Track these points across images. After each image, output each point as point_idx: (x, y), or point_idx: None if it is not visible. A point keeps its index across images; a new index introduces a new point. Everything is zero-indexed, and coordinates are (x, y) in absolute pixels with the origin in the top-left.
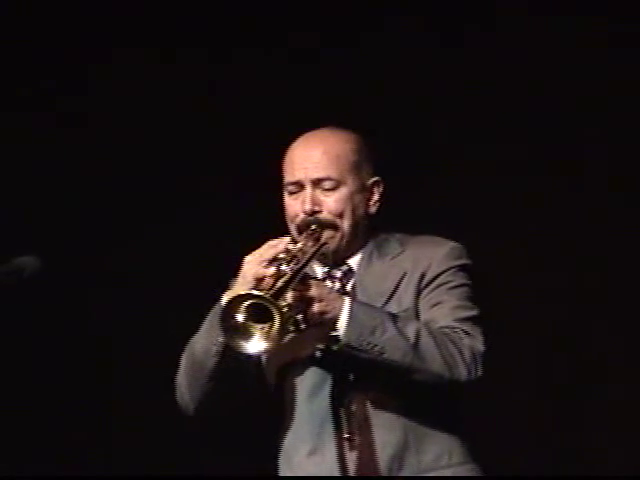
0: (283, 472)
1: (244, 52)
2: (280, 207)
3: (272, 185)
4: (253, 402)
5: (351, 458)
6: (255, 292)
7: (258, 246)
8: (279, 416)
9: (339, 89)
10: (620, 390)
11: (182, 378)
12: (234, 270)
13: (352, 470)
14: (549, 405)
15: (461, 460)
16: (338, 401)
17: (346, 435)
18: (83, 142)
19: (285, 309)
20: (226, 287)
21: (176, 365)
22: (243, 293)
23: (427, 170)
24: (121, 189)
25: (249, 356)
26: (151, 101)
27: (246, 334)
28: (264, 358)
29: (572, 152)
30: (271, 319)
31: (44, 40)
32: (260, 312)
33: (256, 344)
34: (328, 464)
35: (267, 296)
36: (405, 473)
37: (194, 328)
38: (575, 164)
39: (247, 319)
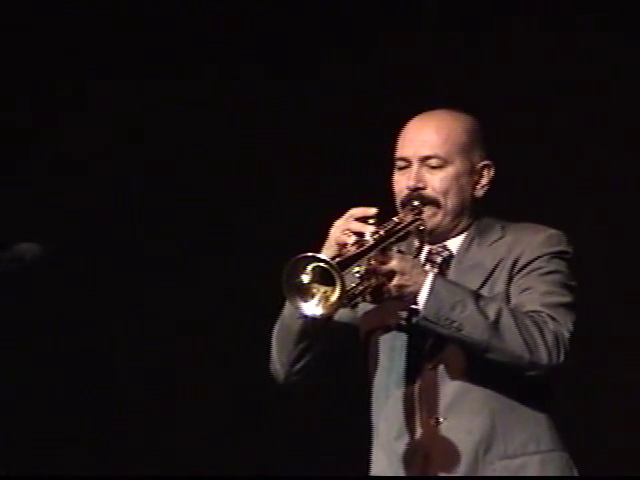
0: (375, 448)
1: None
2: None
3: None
4: (341, 370)
5: (437, 442)
6: (320, 256)
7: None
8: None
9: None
10: None
11: (273, 347)
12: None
13: (436, 454)
14: None
15: (550, 447)
16: (425, 384)
17: (433, 419)
18: None
19: (348, 278)
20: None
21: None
22: (309, 255)
23: None
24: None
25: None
26: None
27: (307, 295)
28: (360, 324)
29: None
30: (334, 285)
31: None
32: (326, 277)
33: (313, 307)
34: (414, 447)
35: (332, 262)
36: (491, 458)
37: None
38: None
39: (312, 281)
